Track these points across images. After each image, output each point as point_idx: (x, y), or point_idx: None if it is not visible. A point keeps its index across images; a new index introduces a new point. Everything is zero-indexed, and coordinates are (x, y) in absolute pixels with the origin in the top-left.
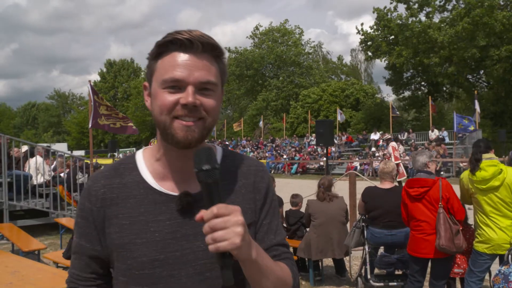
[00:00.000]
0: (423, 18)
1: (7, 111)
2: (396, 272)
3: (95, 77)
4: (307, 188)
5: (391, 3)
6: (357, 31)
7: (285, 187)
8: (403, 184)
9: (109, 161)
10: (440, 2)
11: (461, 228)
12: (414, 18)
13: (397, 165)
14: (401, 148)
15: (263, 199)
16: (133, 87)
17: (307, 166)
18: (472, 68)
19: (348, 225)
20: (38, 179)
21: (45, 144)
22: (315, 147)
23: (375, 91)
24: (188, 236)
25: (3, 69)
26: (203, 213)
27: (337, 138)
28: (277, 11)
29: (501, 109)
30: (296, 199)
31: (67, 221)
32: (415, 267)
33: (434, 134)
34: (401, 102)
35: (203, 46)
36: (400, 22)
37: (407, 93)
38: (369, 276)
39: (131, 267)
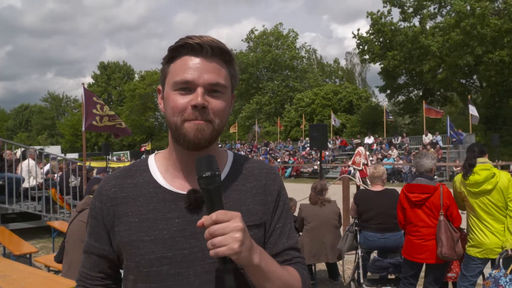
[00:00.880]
0: (417, 23)
1: (0, 114)
2: (389, 276)
3: (90, 79)
4: (301, 192)
5: (384, 6)
6: (353, 35)
7: None
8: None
9: (102, 164)
10: (434, 9)
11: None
12: (408, 23)
13: (361, 172)
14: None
15: (275, 201)
16: (127, 90)
17: (301, 169)
18: (465, 73)
19: (341, 229)
20: (31, 182)
21: (38, 147)
22: (309, 150)
23: (369, 95)
24: (197, 234)
25: None
26: (203, 219)
27: (331, 142)
28: (272, 15)
29: (495, 113)
30: (290, 202)
31: (60, 224)
32: (410, 271)
33: (428, 138)
34: (395, 106)
35: (212, 50)
36: (394, 28)
37: (401, 98)
38: (362, 280)
39: (139, 265)
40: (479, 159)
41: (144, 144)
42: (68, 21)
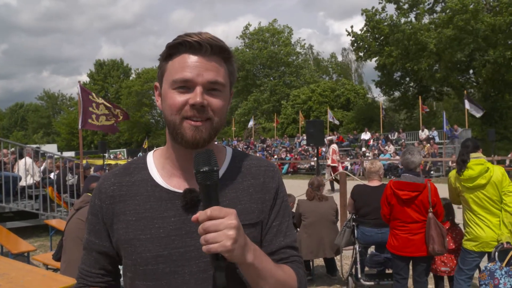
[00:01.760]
0: (413, 19)
1: None
2: (387, 271)
3: (86, 78)
4: (298, 188)
5: (379, 3)
6: (347, 33)
7: None
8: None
9: (99, 161)
10: (428, 4)
11: (447, 227)
12: (404, 19)
13: (334, 168)
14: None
15: (272, 199)
16: (124, 87)
17: (298, 166)
18: (461, 70)
19: (338, 224)
20: (28, 181)
21: (34, 145)
22: (306, 147)
23: (365, 91)
24: (193, 233)
25: None
26: (198, 214)
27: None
28: (269, 12)
29: (491, 108)
30: (288, 199)
31: (57, 223)
32: (400, 264)
33: (424, 133)
34: (391, 102)
35: (211, 48)
36: (391, 23)
37: (397, 94)
38: (359, 275)
39: (136, 263)
40: (473, 154)
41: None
42: (64, 19)
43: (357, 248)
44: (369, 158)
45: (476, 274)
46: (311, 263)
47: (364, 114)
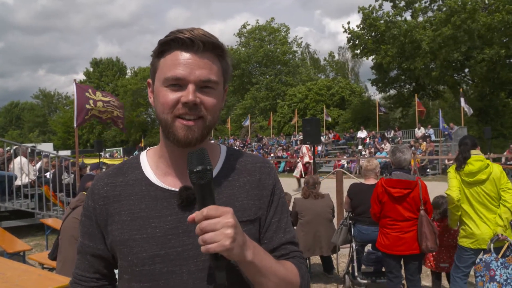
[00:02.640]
0: (408, 17)
1: None
2: (383, 269)
3: (82, 76)
4: (295, 186)
5: (376, 0)
6: (343, 29)
7: None
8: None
9: (95, 160)
10: (425, 2)
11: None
12: (399, 17)
13: (307, 165)
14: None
15: (270, 196)
16: (120, 86)
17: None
18: (456, 68)
19: (335, 222)
20: (23, 180)
21: (30, 144)
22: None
23: (362, 90)
24: (190, 231)
25: None
26: (194, 214)
27: (325, 136)
28: (266, 10)
29: (486, 106)
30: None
31: (53, 222)
32: (392, 263)
33: (420, 131)
34: (386, 100)
35: (204, 45)
36: (388, 19)
37: (392, 92)
38: (356, 273)
39: (132, 264)
40: (472, 151)
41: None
42: (61, 18)
43: (354, 246)
44: (366, 156)
45: (472, 271)
46: (308, 261)
47: (360, 112)
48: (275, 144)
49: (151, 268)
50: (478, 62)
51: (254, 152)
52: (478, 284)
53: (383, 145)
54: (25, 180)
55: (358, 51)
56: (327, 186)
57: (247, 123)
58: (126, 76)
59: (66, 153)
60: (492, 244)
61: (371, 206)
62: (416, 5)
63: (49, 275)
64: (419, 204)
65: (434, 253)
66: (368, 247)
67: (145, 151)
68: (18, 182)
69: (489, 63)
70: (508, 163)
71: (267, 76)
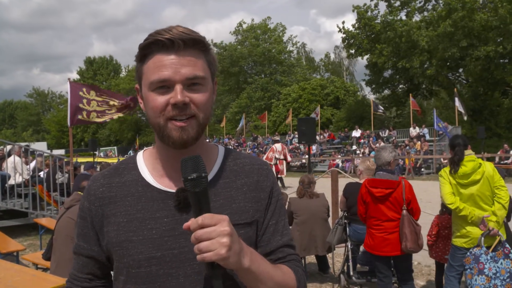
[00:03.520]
0: (403, 17)
1: None
2: None
3: (76, 75)
4: (289, 185)
5: (371, 0)
6: (338, 29)
7: None
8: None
9: (90, 159)
10: (420, 2)
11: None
12: (395, 17)
13: (277, 165)
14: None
15: (267, 198)
16: (114, 85)
17: (289, 163)
18: (451, 67)
19: (330, 221)
20: (17, 179)
21: (24, 143)
22: (296, 144)
23: (356, 89)
24: (187, 234)
25: None
26: (190, 223)
27: (320, 136)
28: (261, 9)
29: (480, 106)
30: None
31: (47, 222)
32: (380, 264)
33: (415, 131)
34: (380, 101)
35: (185, 43)
36: (384, 19)
37: (386, 92)
38: (351, 273)
39: (128, 265)
40: (465, 152)
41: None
42: (55, 16)
43: (349, 246)
44: (360, 155)
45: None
46: (303, 260)
47: (355, 111)
48: (270, 144)
49: (147, 270)
50: (473, 60)
51: (249, 152)
52: (467, 276)
53: (377, 145)
54: (19, 179)
55: (353, 51)
56: (322, 185)
57: (242, 123)
58: (121, 75)
59: (60, 152)
60: (483, 239)
61: (357, 207)
62: (412, 4)
63: (43, 276)
64: (402, 204)
65: (440, 245)
66: (363, 247)
67: (141, 151)
68: (11, 182)
69: (483, 62)
70: (502, 162)
71: (262, 76)
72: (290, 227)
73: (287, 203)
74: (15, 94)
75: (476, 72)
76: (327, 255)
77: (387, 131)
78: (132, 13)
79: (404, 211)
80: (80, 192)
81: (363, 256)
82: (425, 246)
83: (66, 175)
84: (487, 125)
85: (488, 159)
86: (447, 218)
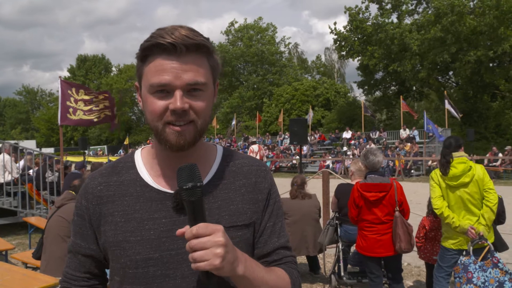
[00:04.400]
0: (395, 20)
1: None
2: None
3: (67, 73)
4: (281, 186)
5: (362, 2)
6: (330, 30)
7: None
8: None
9: (79, 158)
10: (411, 5)
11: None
12: (386, 20)
13: None
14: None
15: (265, 200)
16: (105, 84)
17: (280, 164)
18: (441, 70)
19: (321, 222)
20: (6, 177)
21: (13, 141)
22: (287, 144)
23: (347, 90)
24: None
25: None
26: (184, 230)
27: (310, 136)
28: (254, 9)
29: (470, 109)
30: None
31: (36, 220)
32: (372, 264)
33: (405, 132)
34: (371, 102)
35: (187, 48)
36: (375, 22)
37: (378, 94)
38: (342, 273)
39: (125, 266)
40: (455, 154)
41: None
42: (47, 13)
43: (340, 246)
44: (351, 157)
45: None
46: None
47: (346, 113)
48: (261, 144)
49: (145, 271)
50: (463, 64)
51: (239, 152)
52: (456, 285)
53: (368, 146)
54: (8, 177)
55: (344, 53)
56: (313, 186)
57: (234, 122)
58: (111, 74)
59: (49, 150)
60: (471, 247)
61: (349, 210)
62: (403, 7)
63: (34, 275)
64: (395, 205)
65: (428, 246)
66: (354, 247)
67: (139, 150)
68: (0, 180)
69: (473, 65)
70: (491, 164)
71: (254, 75)
72: None
73: None
74: (4, 91)
75: (466, 75)
76: (318, 256)
77: (377, 132)
78: (125, 11)
79: (397, 213)
80: (71, 191)
81: (354, 256)
82: (414, 247)
83: (56, 173)
84: (476, 128)
85: (477, 161)
86: (434, 220)
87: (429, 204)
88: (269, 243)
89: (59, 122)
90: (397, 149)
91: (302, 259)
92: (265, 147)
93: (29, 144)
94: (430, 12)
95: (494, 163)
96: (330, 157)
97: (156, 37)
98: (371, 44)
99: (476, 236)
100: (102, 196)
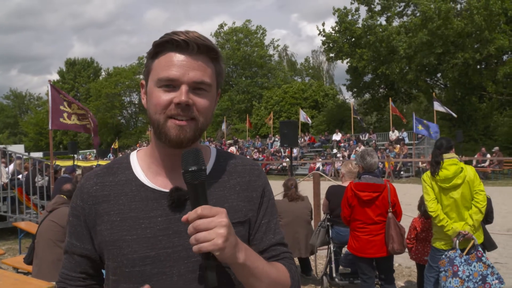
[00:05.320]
0: (383, 22)
1: None
2: None
3: (56, 76)
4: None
5: (352, 3)
6: (318, 31)
7: None
8: None
9: (69, 162)
10: (399, 7)
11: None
12: (375, 22)
13: None
14: None
15: (260, 197)
16: (94, 89)
17: (270, 167)
18: (429, 72)
19: (312, 224)
20: None
21: (1, 146)
22: (277, 147)
23: (335, 92)
24: (181, 232)
25: None
26: (188, 215)
27: (300, 139)
28: (243, 12)
29: (458, 110)
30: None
31: (26, 225)
32: (364, 265)
33: (394, 134)
34: (360, 106)
35: (198, 48)
36: (365, 23)
37: (367, 96)
38: (334, 275)
39: (122, 265)
40: (446, 155)
41: (114, 143)
42: (35, 17)
43: (332, 248)
44: (341, 159)
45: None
46: None
47: (335, 115)
48: (251, 147)
49: (141, 269)
50: (450, 66)
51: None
52: (441, 278)
53: (357, 148)
54: None
55: (333, 55)
56: (303, 188)
57: (224, 125)
58: (100, 78)
59: (38, 155)
60: (457, 241)
61: (342, 210)
62: (392, 9)
63: (27, 280)
64: (388, 206)
65: (419, 247)
66: (346, 249)
67: (135, 151)
68: None
69: (461, 67)
70: (479, 165)
71: (243, 78)
72: None
73: None
74: None
75: (454, 77)
76: (309, 257)
77: (367, 134)
78: (114, 15)
79: (390, 214)
80: (62, 195)
81: (345, 258)
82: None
83: (46, 178)
84: (465, 129)
85: (466, 162)
86: (424, 222)
87: (420, 205)
88: (265, 239)
89: (49, 126)
90: (387, 150)
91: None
92: (255, 150)
93: (18, 149)
94: (418, 15)
95: (483, 164)
96: (320, 159)
97: (170, 35)
98: (359, 47)
99: (462, 239)
100: (98, 196)
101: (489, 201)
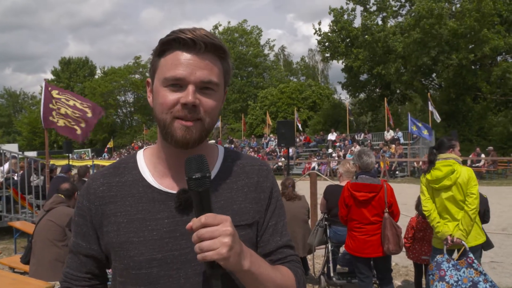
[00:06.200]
0: (379, 22)
1: None
2: None
3: (50, 76)
4: None
5: (347, 3)
6: (314, 31)
7: None
8: None
9: (64, 162)
10: (395, 7)
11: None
12: (370, 22)
13: None
14: None
15: (268, 199)
16: (89, 87)
17: None
18: (424, 73)
19: (309, 223)
20: None
21: None
22: (273, 147)
23: (331, 92)
24: (188, 235)
25: None
26: (192, 222)
27: (296, 138)
28: (239, 12)
29: (453, 110)
30: None
31: (22, 225)
32: (361, 265)
33: (389, 134)
34: (355, 106)
35: (206, 46)
36: (363, 22)
37: (362, 95)
38: (331, 274)
39: (128, 267)
40: (443, 155)
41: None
42: (31, 15)
43: (329, 247)
44: (336, 158)
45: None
46: None
47: (331, 115)
48: (246, 146)
49: (148, 271)
50: (445, 67)
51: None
52: (429, 282)
53: (353, 148)
54: None
55: (329, 54)
56: (299, 188)
57: (219, 124)
58: (96, 77)
59: (32, 154)
60: (445, 247)
61: (339, 209)
62: (388, 10)
63: (25, 279)
64: (384, 207)
65: (416, 246)
66: (343, 248)
67: (142, 150)
68: None
69: (456, 68)
70: (474, 165)
71: (239, 78)
72: None
73: None
74: None
75: (449, 77)
76: (307, 257)
77: (362, 134)
78: (110, 14)
79: (386, 214)
80: (60, 195)
81: (343, 257)
82: (403, 249)
83: (42, 177)
84: (459, 129)
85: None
86: (422, 221)
87: (418, 205)
88: (271, 241)
89: (43, 125)
90: (382, 150)
91: None
92: (251, 150)
93: (12, 148)
94: (413, 15)
95: (477, 164)
96: (315, 159)
97: (177, 33)
98: (355, 47)
99: (451, 243)
100: (104, 197)
101: (485, 200)
